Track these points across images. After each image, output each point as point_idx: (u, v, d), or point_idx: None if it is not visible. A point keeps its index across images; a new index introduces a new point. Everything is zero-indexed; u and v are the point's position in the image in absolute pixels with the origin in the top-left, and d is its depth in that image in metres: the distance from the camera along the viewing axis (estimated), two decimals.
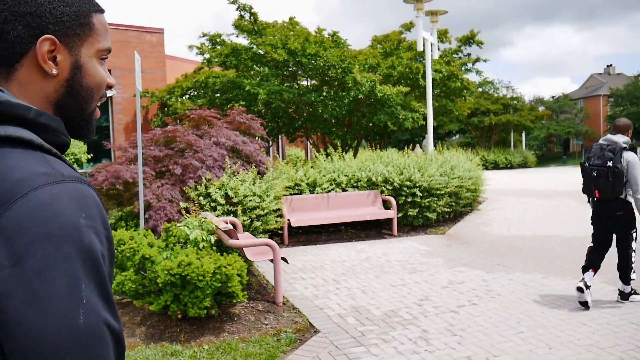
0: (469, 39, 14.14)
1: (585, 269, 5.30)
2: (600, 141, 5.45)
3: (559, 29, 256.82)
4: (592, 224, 5.50)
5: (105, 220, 0.81)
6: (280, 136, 15.72)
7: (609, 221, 5.28)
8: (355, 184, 9.50)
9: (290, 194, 8.94)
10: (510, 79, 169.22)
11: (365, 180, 9.44)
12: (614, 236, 5.34)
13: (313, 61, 11.61)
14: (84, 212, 0.76)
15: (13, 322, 0.70)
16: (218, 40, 13.32)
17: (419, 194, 9.29)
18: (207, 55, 13.93)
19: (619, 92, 60.53)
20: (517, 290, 5.77)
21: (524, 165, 31.22)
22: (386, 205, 9.35)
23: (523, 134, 39.44)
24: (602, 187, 5.08)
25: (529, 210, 11.91)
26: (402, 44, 13.23)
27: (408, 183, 9.30)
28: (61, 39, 0.87)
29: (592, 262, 5.33)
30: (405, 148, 12.29)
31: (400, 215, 9.39)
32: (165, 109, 15.04)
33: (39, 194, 0.74)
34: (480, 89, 32.82)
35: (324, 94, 12.09)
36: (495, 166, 29.73)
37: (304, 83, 13.56)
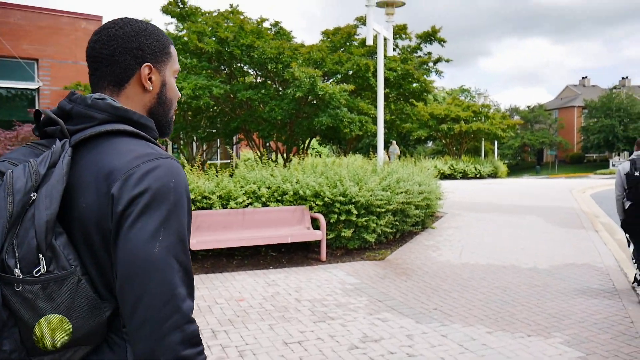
0: (429, 36, 12.74)
1: None
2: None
3: (536, 41, 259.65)
4: (628, 229, 6.25)
5: (186, 185, 1.13)
6: (234, 139, 14.14)
7: None
8: (279, 198, 7.95)
9: (197, 209, 7.35)
10: (488, 88, 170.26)
11: (292, 193, 7.89)
12: None
13: (248, 53, 10.04)
14: (174, 179, 1.09)
15: (117, 245, 1.04)
16: None
17: (355, 211, 7.78)
18: None
19: (593, 104, 60.25)
20: (449, 356, 4.25)
21: (494, 175, 30.04)
22: (316, 224, 7.82)
23: (495, 143, 38.41)
24: None
25: (489, 230, 10.50)
26: (353, 37, 11.71)
27: (342, 198, 7.78)
28: (154, 65, 1.25)
29: None
30: (372, 154, 10.87)
31: (332, 236, 7.86)
32: None
33: (147, 165, 1.08)
34: (450, 96, 31.72)
35: (262, 91, 10.53)
36: (464, 176, 28.49)
37: (253, 80, 12.00)
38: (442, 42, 12.65)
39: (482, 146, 33.87)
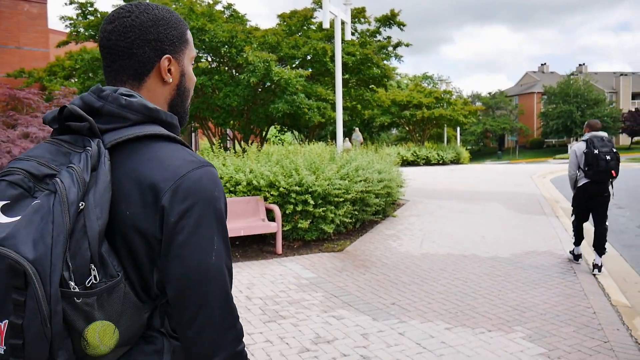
0: (388, 20, 12.41)
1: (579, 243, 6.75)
2: (594, 134, 6.41)
3: (496, 29, 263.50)
4: (579, 205, 6.62)
5: (224, 192, 1.13)
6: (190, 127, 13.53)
7: (597, 199, 6.43)
8: (232, 189, 7.54)
9: None
10: (451, 74, 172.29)
11: (245, 184, 7.50)
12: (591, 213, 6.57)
13: (199, 37, 9.52)
14: (217, 187, 1.10)
15: (172, 259, 1.04)
16: (90, 8, 10.98)
17: (312, 201, 7.43)
18: (81, 29, 11.57)
19: (552, 90, 61.41)
20: (406, 357, 3.97)
21: (456, 161, 30.19)
22: (271, 215, 7.46)
23: (458, 130, 38.66)
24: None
25: (450, 218, 10.33)
26: (310, 20, 11.29)
27: (298, 188, 7.43)
28: (173, 55, 1.19)
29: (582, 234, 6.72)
30: (330, 141, 10.52)
31: (288, 228, 7.51)
32: (47, 92, 12.58)
33: (192, 175, 1.06)
34: (413, 82, 31.62)
35: (216, 77, 10.03)
36: (427, 162, 28.51)
37: (207, 66, 11.44)
38: (401, 26, 12.35)
39: (444, 132, 33.97)
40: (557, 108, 59.55)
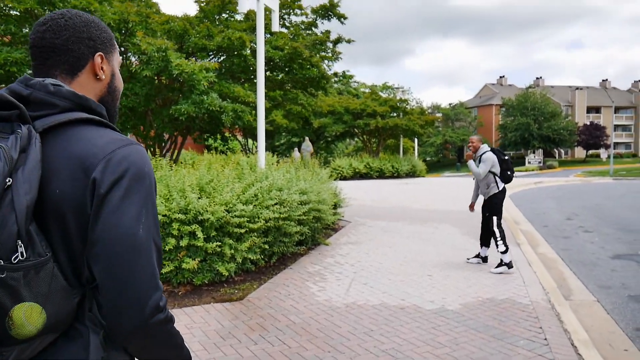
0: (327, 11, 10.69)
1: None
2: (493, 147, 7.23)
3: (456, 43, 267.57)
4: (500, 208, 7.07)
5: (153, 171, 1.17)
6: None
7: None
8: None
9: None
10: (412, 86, 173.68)
11: None
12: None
13: None
14: (146, 164, 1.14)
15: (100, 226, 1.05)
16: None
17: (201, 234, 5.55)
18: None
19: (510, 103, 61.34)
20: None
21: (412, 174, 28.73)
22: None
23: (415, 141, 37.38)
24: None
25: (393, 247, 8.61)
26: (233, 7, 9.40)
27: (182, 216, 5.54)
28: (105, 55, 1.26)
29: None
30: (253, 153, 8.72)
31: (171, 268, 5.60)
32: None
33: (122, 150, 1.11)
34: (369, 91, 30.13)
35: None
36: (381, 175, 26.94)
37: None
38: (342, 19, 10.68)
39: (400, 143, 32.53)
40: (515, 120, 59.45)
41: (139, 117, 8.72)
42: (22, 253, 0.98)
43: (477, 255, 7.41)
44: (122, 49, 7.72)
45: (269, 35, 9.62)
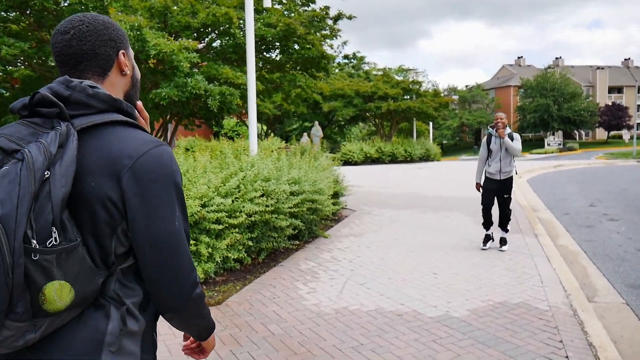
0: None
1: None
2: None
3: (473, 25, 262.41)
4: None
5: (179, 167, 1.31)
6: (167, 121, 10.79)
7: None
8: None
9: None
10: (427, 69, 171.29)
11: None
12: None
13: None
14: (174, 163, 1.27)
15: (138, 225, 1.21)
16: None
17: None
18: None
19: (529, 84, 59.67)
20: None
21: (426, 158, 27.79)
22: None
23: (430, 124, 36.34)
24: None
25: (399, 239, 7.90)
26: None
27: None
28: (125, 51, 1.38)
29: None
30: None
31: None
32: None
33: (152, 152, 1.23)
34: (381, 73, 29.18)
35: None
36: (393, 159, 26.08)
37: None
38: None
39: (413, 127, 31.51)
40: (534, 102, 57.86)
41: None
42: (55, 238, 1.11)
43: (492, 239, 7.24)
44: None
45: (263, 13, 8.90)
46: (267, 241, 6.17)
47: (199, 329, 1.42)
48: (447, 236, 8.07)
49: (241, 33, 7.88)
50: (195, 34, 7.92)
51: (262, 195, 5.88)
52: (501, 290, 5.33)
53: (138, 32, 6.36)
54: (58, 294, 1.11)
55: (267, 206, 5.84)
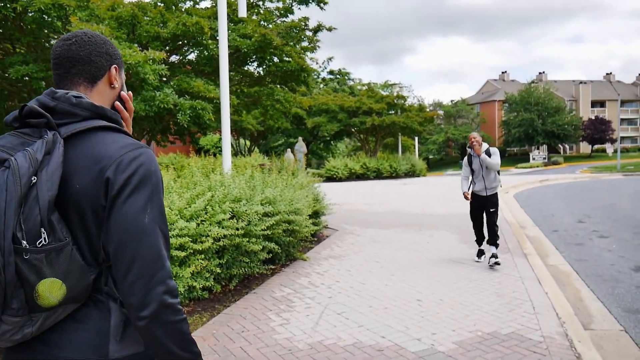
0: None
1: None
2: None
3: (457, 40, 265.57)
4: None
5: (159, 170, 1.37)
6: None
7: None
8: None
9: None
10: (413, 84, 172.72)
11: None
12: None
13: (8, 4, 6.44)
14: (153, 164, 1.33)
15: (113, 216, 1.26)
16: None
17: None
18: None
19: (513, 98, 60.01)
20: None
21: (412, 173, 27.48)
22: None
23: (416, 139, 36.15)
24: None
25: (381, 260, 7.48)
26: None
27: None
28: (118, 67, 1.49)
29: None
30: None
31: None
32: None
33: (132, 152, 1.31)
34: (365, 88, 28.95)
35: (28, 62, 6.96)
36: (378, 175, 25.73)
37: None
38: (321, 4, 9.54)
39: (399, 142, 31.23)
40: (519, 116, 58.14)
41: None
42: (45, 238, 1.19)
43: (484, 254, 7.31)
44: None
45: (240, 24, 8.53)
46: (238, 267, 5.71)
47: (171, 357, 1.30)
48: (431, 257, 7.67)
49: (215, 44, 7.48)
50: (166, 46, 7.50)
51: (232, 217, 5.44)
52: (490, 319, 4.91)
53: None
54: (50, 289, 1.19)
55: (237, 229, 5.39)
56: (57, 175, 1.21)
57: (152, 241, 1.27)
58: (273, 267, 6.77)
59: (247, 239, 5.62)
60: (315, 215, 8.81)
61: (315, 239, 8.90)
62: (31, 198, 1.17)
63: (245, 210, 5.62)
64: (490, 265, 6.89)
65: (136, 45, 6.97)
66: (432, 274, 6.67)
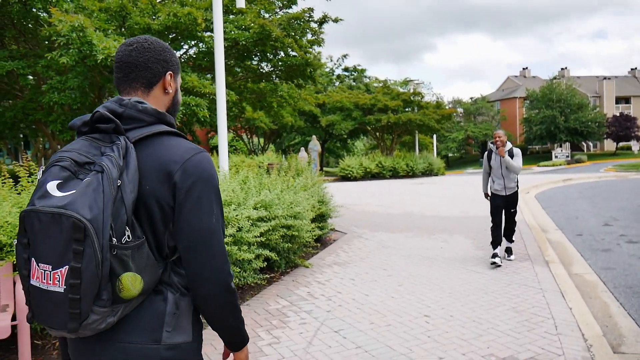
0: None
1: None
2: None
3: (477, 37, 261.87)
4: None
5: (216, 171, 1.51)
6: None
7: None
8: None
9: None
10: (433, 82, 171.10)
11: None
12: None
13: None
14: (212, 167, 1.48)
15: (183, 220, 1.41)
16: None
17: None
18: None
19: (534, 95, 58.64)
20: None
21: (429, 172, 26.76)
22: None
23: (435, 137, 35.34)
24: None
25: (389, 269, 6.93)
26: None
27: None
28: (173, 75, 1.59)
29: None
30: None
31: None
32: None
33: (195, 157, 1.44)
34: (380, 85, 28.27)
35: (43, 62, 6.56)
36: (395, 174, 25.07)
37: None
38: None
39: (416, 140, 30.50)
40: (540, 113, 56.78)
41: (74, 116, 7.24)
42: (128, 236, 1.32)
43: (499, 257, 7.01)
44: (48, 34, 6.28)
45: (239, 15, 8.04)
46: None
47: (231, 332, 1.55)
48: (443, 265, 7.10)
49: (210, 37, 7.01)
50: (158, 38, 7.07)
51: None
52: (506, 340, 4.34)
53: (81, 34, 5.47)
54: (132, 283, 1.32)
55: (225, 236, 4.89)
56: (136, 178, 1.35)
57: (220, 238, 1.45)
58: (272, 275, 6.28)
59: (238, 247, 5.13)
60: (321, 218, 8.28)
61: (320, 244, 8.38)
62: (118, 199, 1.30)
63: (236, 216, 5.13)
64: (507, 259, 7.21)
65: (124, 38, 6.54)
66: (443, 285, 6.10)
